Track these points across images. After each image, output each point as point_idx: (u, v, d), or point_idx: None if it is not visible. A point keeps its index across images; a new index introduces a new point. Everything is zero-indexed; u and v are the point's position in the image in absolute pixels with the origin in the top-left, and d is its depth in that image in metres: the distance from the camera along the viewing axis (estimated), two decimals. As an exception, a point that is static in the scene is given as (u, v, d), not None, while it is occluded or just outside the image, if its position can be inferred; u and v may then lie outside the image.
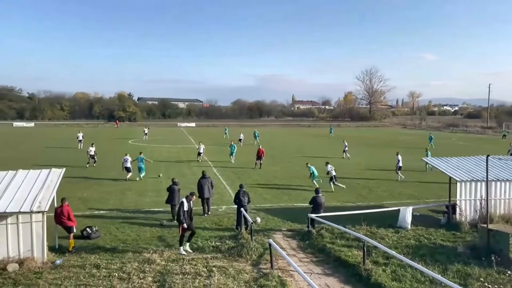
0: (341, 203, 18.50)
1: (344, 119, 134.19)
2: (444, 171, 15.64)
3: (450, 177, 15.50)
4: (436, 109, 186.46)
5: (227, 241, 12.57)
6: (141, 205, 17.83)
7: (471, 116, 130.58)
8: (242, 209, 14.04)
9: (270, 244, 10.80)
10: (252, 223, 12.78)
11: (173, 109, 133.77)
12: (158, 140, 53.43)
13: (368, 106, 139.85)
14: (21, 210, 10.42)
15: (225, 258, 11.35)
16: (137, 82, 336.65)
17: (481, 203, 14.31)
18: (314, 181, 22.27)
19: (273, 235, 13.62)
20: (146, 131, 56.20)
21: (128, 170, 24.04)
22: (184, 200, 12.11)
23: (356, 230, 13.14)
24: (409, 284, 9.52)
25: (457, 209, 14.96)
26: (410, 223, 14.57)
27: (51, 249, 11.68)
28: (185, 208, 11.91)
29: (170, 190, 15.69)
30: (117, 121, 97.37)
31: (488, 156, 12.78)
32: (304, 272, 9.22)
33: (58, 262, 10.75)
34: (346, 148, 36.01)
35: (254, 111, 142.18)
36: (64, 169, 13.01)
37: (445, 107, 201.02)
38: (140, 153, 25.44)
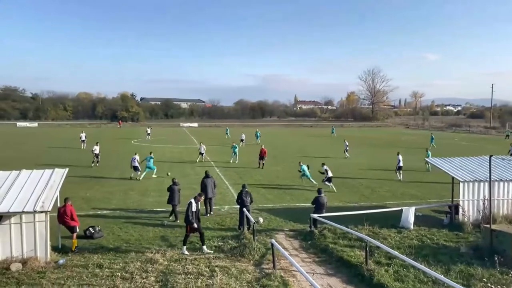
0: (344, 203, 18.48)
1: (347, 119, 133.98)
2: (447, 171, 15.61)
3: (453, 177, 15.46)
4: (439, 109, 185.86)
5: (230, 241, 12.58)
6: (144, 205, 17.88)
7: (474, 116, 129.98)
8: (244, 209, 14.05)
9: (272, 244, 10.81)
10: (254, 223, 12.79)
11: (176, 109, 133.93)
12: (160, 140, 53.52)
13: (371, 106, 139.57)
14: (25, 210, 10.45)
15: (227, 258, 11.37)
16: (137, 82, 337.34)
17: (484, 203, 14.26)
18: (301, 178, 22.59)
19: (275, 235, 13.62)
20: (148, 131, 56.35)
21: (136, 169, 24.34)
22: (193, 200, 12.09)
23: (359, 230, 13.13)
24: (411, 284, 9.50)
25: (460, 210, 14.93)
26: (412, 223, 14.54)
27: (54, 248, 11.72)
28: (193, 208, 11.89)
29: (170, 190, 15.75)
30: (120, 121, 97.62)
31: (491, 156, 12.75)
32: (307, 272, 9.23)
33: (61, 261, 10.79)
34: (347, 148, 36.06)
35: (257, 111, 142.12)
36: (67, 169, 13.06)
37: (448, 107, 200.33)
38: (150, 153, 25.72)
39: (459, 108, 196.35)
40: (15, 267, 10.22)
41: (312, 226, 14.09)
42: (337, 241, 12.84)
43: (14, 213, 10.53)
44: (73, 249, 11.93)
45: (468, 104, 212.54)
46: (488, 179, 12.93)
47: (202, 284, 9.43)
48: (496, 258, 10.42)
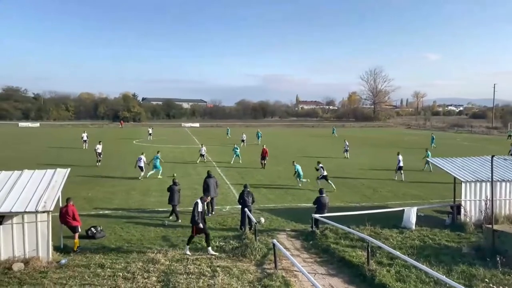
0: (345, 204, 18.47)
1: (348, 119, 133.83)
2: (449, 172, 15.58)
3: (455, 178, 15.43)
4: (440, 109, 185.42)
5: (231, 241, 12.58)
6: (145, 205, 17.90)
7: (476, 116, 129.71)
8: (246, 209, 14.05)
9: (274, 244, 10.80)
10: (256, 223, 12.78)
11: (177, 109, 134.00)
12: (162, 140, 53.57)
13: (373, 106, 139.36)
14: (27, 210, 10.47)
15: (229, 258, 11.37)
16: (138, 82, 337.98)
17: (486, 204, 14.26)
18: (297, 179, 22.62)
19: (277, 235, 13.62)
20: (150, 131, 56.45)
21: (141, 169, 24.46)
22: (199, 201, 12.06)
23: (360, 231, 13.11)
24: (413, 285, 9.48)
25: (462, 210, 14.90)
26: (414, 224, 14.52)
27: (56, 248, 11.73)
28: (200, 209, 11.85)
29: (170, 190, 15.80)
30: (122, 121, 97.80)
31: (493, 156, 12.71)
32: (308, 273, 9.23)
33: (63, 261, 10.81)
34: (347, 148, 36.09)
35: (258, 112, 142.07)
36: (69, 169, 13.08)
37: (449, 107, 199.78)
38: (158, 152, 25.87)
39: (461, 108, 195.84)
40: (17, 267, 10.24)
41: (313, 226, 14.08)
42: (338, 241, 12.83)
43: (16, 213, 10.55)
44: (75, 249, 11.95)
45: (470, 104, 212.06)
46: (490, 179, 12.90)
47: (204, 284, 9.43)
48: (498, 259, 10.39)
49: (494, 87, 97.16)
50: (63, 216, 12.25)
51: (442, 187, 21.38)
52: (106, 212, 16.77)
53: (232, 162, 31.35)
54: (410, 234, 13.64)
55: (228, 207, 17.72)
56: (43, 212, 10.59)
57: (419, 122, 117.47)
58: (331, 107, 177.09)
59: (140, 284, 9.46)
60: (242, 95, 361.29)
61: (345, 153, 36.04)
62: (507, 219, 14.25)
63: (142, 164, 24.51)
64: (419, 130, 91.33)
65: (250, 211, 14.07)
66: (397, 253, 10.15)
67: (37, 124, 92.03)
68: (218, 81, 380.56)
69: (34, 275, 9.92)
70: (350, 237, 12.99)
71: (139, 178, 24.02)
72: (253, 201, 14.67)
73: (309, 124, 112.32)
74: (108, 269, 10.26)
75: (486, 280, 9.63)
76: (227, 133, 59.95)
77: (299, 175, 22.58)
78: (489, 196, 13.63)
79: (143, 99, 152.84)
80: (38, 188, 11.40)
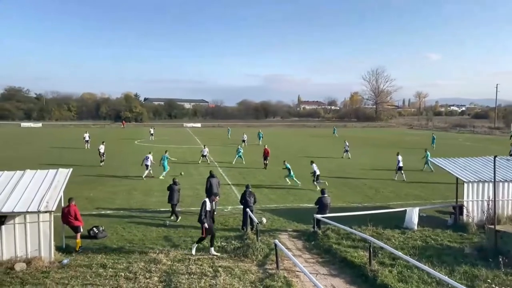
0: (347, 204, 18.45)
1: (350, 119, 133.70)
2: (451, 172, 15.54)
3: (457, 178, 15.39)
4: (443, 109, 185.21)
5: (233, 241, 12.58)
6: (147, 205, 17.93)
7: (478, 117, 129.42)
8: (248, 209, 14.05)
9: (275, 245, 10.79)
10: (257, 223, 12.78)
11: (179, 110, 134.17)
12: (164, 140, 53.61)
13: (375, 106, 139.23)
14: (29, 210, 10.50)
15: (230, 258, 11.37)
16: (138, 82, 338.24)
17: (488, 204, 14.21)
18: (287, 179, 22.80)
19: (278, 236, 13.61)
20: (152, 132, 56.51)
21: (147, 167, 24.67)
22: (207, 200, 12.02)
23: (362, 231, 13.10)
24: (415, 285, 9.46)
25: (464, 210, 14.86)
26: (416, 224, 14.49)
27: (58, 248, 11.76)
28: (207, 208, 11.78)
29: (170, 189, 15.87)
30: (124, 121, 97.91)
31: (495, 156, 12.69)
32: (310, 273, 9.21)
33: (65, 261, 10.83)
34: (348, 148, 36.05)
35: (260, 112, 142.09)
36: (71, 169, 13.10)
37: (452, 107, 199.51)
38: (166, 152, 26.07)
39: (463, 108, 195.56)
40: (19, 266, 10.26)
41: (315, 226, 14.07)
42: (340, 241, 12.81)
43: (19, 213, 10.57)
44: (77, 249, 11.97)
45: (472, 104, 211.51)
46: (492, 180, 12.86)
47: (206, 284, 9.43)
48: (500, 259, 10.36)
49: (496, 87, 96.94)
50: (65, 216, 12.27)
51: (444, 188, 21.35)
52: (108, 212, 16.80)
53: (234, 163, 31.35)
54: (412, 235, 13.62)
55: (230, 207, 17.72)
56: (45, 212, 10.61)
57: (421, 122, 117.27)
58: (333, 107, 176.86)
59: (142, 284, 9.46)
60: (244, 95, 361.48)
61: (345, 154, 35.89)
62: (510, 219, 14.22)
63: (148, 163, 24.70)
64: (421, 130, 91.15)
65: (252, 211, 14.06)
66: (399, 253, 10.13)
67: (39, 124, 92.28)
68: (219, 81, 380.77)
69: (36, 275, 9.93)
70: (352, 237, 12.98)
71: (143, 177, 24.12)
72: (255, 201, 14.67)
73: (310, 124, 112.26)
74: (110, 269, 10.27)
75: (488, 280, 9.60)
76: (228, 134, 59.91)
77: (290, 174, 22.71)
78: (491, 197, 13.60)
79: (145, 99, 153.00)
80: (40, 188, 11.43)
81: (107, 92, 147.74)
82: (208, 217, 11.77)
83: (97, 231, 13.41)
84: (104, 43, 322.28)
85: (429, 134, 55.94)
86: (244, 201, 14.39)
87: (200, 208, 11.92)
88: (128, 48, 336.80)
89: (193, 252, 11.70)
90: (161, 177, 24.16)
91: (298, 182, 22.70)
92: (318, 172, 21.89)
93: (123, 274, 9.97)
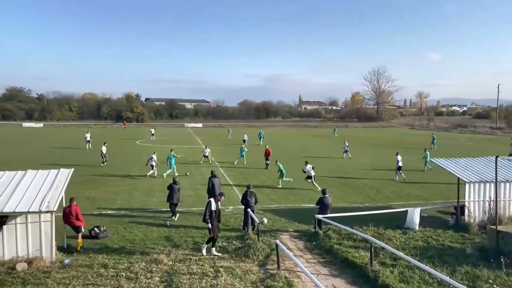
0: (348, 204, 18.43)
1: (352, 119, 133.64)
2: (453, 172, 15.51)
3: (459, 178, 15.37)
4: (444, 109, 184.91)
5: (234, 242, 12.58)
6: (148, 205, 17.94)
7: (479, 117, 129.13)
8: (249, 209, 14.04)
9: (277, 245, 10.79)
10: (259, 223, 12.76)
11: (180, 110, 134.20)
12: (165, 140, 53.65)
13: (376, 106, 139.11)
14: (30, 210, 10.51)
15: (232, 259, 11.37)
16: (138, 82, 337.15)
17: (490, 204, 14.18)
18: (280, 180, 22.84)
19: (280, 236, 13.61)
20: (152, 132, 56.58)
21: (152, 167, 24.95)
22: (212, 200, 11.99)
23: (364, 231, 13.09)
24: (417, 285, 9.45)
25: (466, 210, 14.82)
26: (418, 224, 14.47)
27: (60, 248, 11.78)
28: (213, 207, 11.74)
29: (170, 188, 15.91)
30: (125, 121, 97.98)
31: (497, 157, 12.67)
32: (311, 273, 9.20)
33: (66, 261, 10.84)
34: (347, 148, 36.08)
35: (261, 112, 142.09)
36: (73, 169, 13.11)
37: (453, 108, 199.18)
38: (171, 151, 26.22)
39: (465, 109, 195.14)
40: (20, 266, 10.28)
41: (316, 226, 14.06)
42: (341, 242, 12.81)
43: (20, 213, 10.59)
44: (78, 249, 11.98)
45: (474, 104, 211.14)
46: (494, 180, 12.84)
47: (207, 284, 9.44)
48: (502, 260, 10.34)
49: (498, 87, 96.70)
50: (67, 216, 12.28)
51: (445, 188, 21.32)
52: (109, 212, 16.81)
53: (235, 163, 31.36)
54: (413, 235, 13.60)
55: (231, 207, 17.72)
56: (47, 212, 10.63)
57: (422, 122, 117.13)
58: (334, 107, 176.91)
59: (143, 284, 9.47)
60: (245, 95, 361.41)
61: (345, 154, 35.92)
62: (511, 220, 14.18)
63: (153, 163, 24.92)
64: (423, 130, 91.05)
65: (253, 211, 14.06)
66: (401, 253, 10.12)
67: (40, 125, 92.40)
68: (219, 81, 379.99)
69: (37, 275, 9.95)
70: (353, 237, 12.97)
71: (147, 175, 24.51)
72: (256, 202, 14.66)
73: (312, 125, 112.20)
74: (111, 269, 10.28)
75: (490, 281, 9.59)
76: (228, 134, 59.83)
77: (282, 174, 22.77)
78: (493, 197, 13.57)
79: (146, 99, 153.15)
80: (42, 188, 11.45)
81: (108, 92, 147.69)
82: (214, 216, 11.73)
83: (98, 231, 13.42)
84: (104, 43, 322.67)
85: (430, 134, 55.86)
86: (245, 201, 14.39)
87: (205, 208, 11.91)
88: (128, 48, 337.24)
89: (204, 253, 11.65)
90: (164, 175, 24.20)
91: (290, 179, 22.96)
92: (313, 173, 21.89)
93: (124, 274, 9.98)
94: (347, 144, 36.58)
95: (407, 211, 14.93)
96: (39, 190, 11.37)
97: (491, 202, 13.92)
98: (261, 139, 50.24)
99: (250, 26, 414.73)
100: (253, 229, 13.69)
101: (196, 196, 19.77)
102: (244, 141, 45.67)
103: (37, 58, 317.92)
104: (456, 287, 7.73)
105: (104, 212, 16.72)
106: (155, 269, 10.34)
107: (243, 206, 14.58)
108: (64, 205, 12.60)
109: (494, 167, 12.37)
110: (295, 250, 12.46)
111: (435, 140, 45.61)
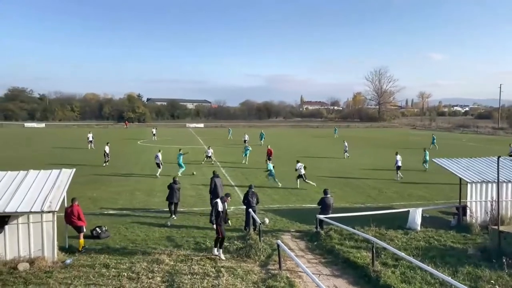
0: (350, 204, 18.42)
1: (353, 119, 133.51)
2: (455, 172, 15.49)
3: (461, 178, 15.34)
4: (446, 109, 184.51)
5: (236, 242, 12.58)
6: (150, 205, 17.95)
7: (482, 117, 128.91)
8: (250, 209, 14.03)
9: (278, 245, 10.79)
10: (260, 223, 12.76)
11: (182, 110, 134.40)
12: (166, 140, 53.70)
13: (377, 106, 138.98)
14: (32, 210, 10.53)
15: (233, 259, 11.38)
16: (138, 82, 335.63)
17: (492, 205, 14.15)
18: (268, 177, 22.93)
19: (281, 236, 13.60)
20: (154, 132, 56.69)
21: (158, 166, 25.14)
22: (219, 200, 11.96)
23: (365, 231, 13.08)
24: (418, 286, 9.44)
25: (468, 211, 14.81)
26: (419, 225, 14.45)
27: (61, 248, 11.79)
28: (220, 208, 11.70)
29: (170, 188, 15.94)
30: (127, 121, 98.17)
31: (499, 157, 12.63)
32: (313, 273, 9.20)
33: (68, 261, 10.86)
34: (346, 149, 36.22)
35: (263, 112, 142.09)
36: (74, 169, 13.12)
37: (455, 108, 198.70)
38: (180, 150, 26.52)
39: (467, 109, 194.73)
40: (22, 266, 10.30)
41: (318, 227, 14.05)
42: (343, 242, 12.80)
43: (22, 213, 10.61)
44: (80, 249, 12.00)
45: (476, 104, 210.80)
46: (496, 180, 12.81)
47: (208, 284, 9.45)
48: (504, 260, 10.31)
49: (500, 87, 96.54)
50: (68, 216, 12.30)
51: (447, 188, 21.28)
52: (111, 212, 16.83)
53: (244, 162, 31.61)
54: (415, 235, 13.58)
55: (232, 207, 17.69)
56: (49, 212, 10.64)
57: (424, 122, 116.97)
58: (335, 107, 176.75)
59: (145, 284, 9.48)
60: (246, 95, 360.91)
61: (345, 154, 36.13)
62: (513, 220, 14.14)
63: (159, 161, 25.08)
64: (425, 130, 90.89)
65: (254, 211, 14.05)
66: (402, 254, 10.10)
67: (42, 125, 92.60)
68: (219, 81, 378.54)
69: (39, 275, 9.97)
70: (355, 238, 12.96)
71: (157, 175, 24.61)
72: (257, 202, 14.64)
73: (313, 125, 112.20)
74: (113, 269, 10.30)
75: (492, 281, 9.56)
76: (229, 134, 59.65)
77: (271, 174, 22.81)
78: (495, 197, 13.53)
79: (148, 99, 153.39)
80: (44, 188, 11.46)
81: (108, 92, 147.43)
82: (221, 218, 11.70)
83: (100, 231, 13.43)
84: (104, 43, 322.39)
85: (432, 134, 55.79)
86: (246, 201, 14.39)
87: (211, 209, 11.90)
88: (128, 48, 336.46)
89: (216, 253, 11.60)
90: (179, 173, 24.25)
91: (279, 183, 22.60)
92: (303, 172, 22.08)
93: (126, 274, 10.00)
94: (346, 144, 36.68)
95: (408, 211, 14.90)
96: (41, 190, 11.38)
97: (493, 202, 13.87)
98: (262, 139, 50.22)
99: (250, 26, 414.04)
100: (254, 229, 13.68)
101: (198, 196, 19.79)
102: (245, 141, 45.66)
103: (37, 58, 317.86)
104: (458, 288, 7.72)
105: (106, 212, 16.74)
106: (156, 269, 10.35)
107: (245, 206, 14.57)
108: (66, 205, 12.62)
109: (496, 167, 12.34)
110: (297, 250, 12.45)
111: (435, 140, 45.56)
